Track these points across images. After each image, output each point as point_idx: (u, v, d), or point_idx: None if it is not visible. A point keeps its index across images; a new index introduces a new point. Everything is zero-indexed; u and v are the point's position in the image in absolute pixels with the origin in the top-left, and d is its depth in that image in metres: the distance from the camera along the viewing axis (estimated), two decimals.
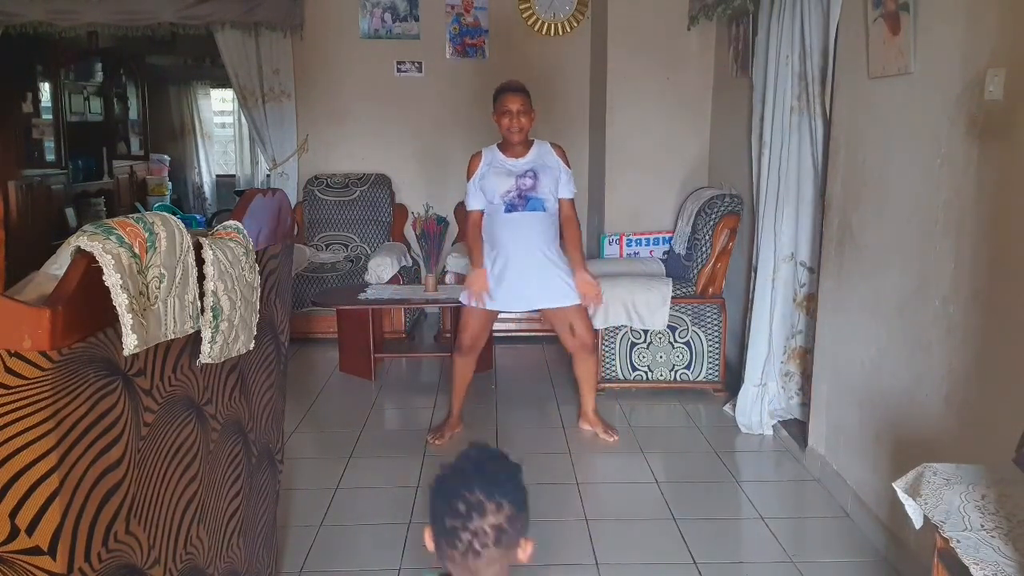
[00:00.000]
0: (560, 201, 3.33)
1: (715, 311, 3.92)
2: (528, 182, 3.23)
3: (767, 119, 3.36)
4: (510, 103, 3.22)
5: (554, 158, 3.32)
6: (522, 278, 3.27)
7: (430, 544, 1.23)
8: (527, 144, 3.31)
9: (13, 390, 1.12)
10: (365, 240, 5.50)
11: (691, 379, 3.97)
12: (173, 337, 1.39)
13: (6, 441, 1.13)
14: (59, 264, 1.24)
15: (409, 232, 5.28)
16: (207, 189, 9.79)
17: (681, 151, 4.75)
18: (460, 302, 3.45)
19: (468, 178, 3.34)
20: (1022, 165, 1.90)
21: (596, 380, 3.58)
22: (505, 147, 3.31)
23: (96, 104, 7.88)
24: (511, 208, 3.23)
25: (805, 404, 3.35)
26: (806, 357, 3.37)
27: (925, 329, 2.29)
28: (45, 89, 6.91)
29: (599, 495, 3.00)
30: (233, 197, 9.01)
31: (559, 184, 3.30)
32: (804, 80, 3.20)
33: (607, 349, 3.95)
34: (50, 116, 6.93)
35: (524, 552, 1.22)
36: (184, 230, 1.40)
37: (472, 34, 5.48)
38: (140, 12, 5.10)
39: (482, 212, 3.33)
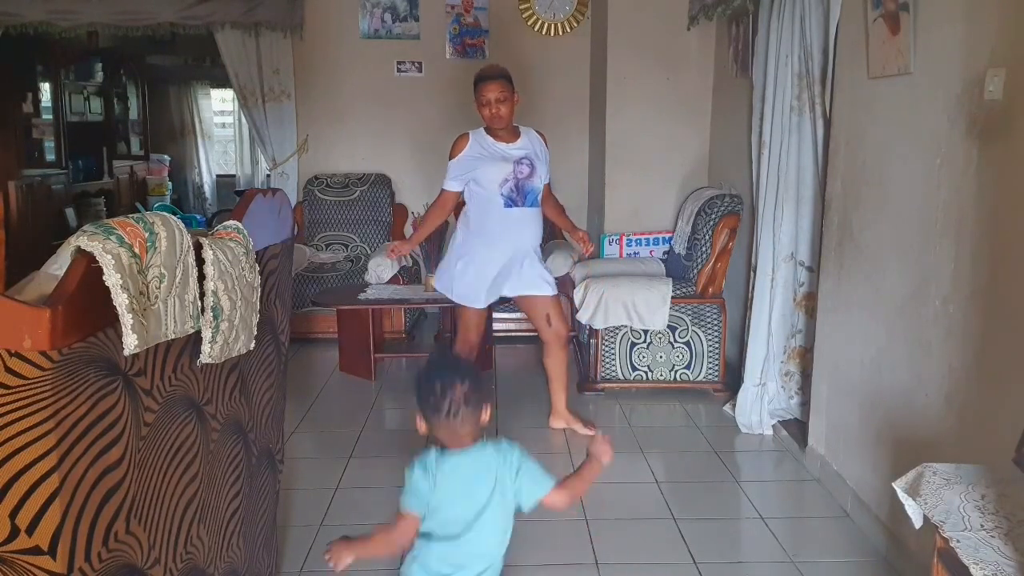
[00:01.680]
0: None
1: (715, 311, 3.92)
2: (525, 170, 3.24)
3: (767, 119, 3.36)
4: (488, 92, 3.18)
5: (543, 146, 3.36)
6: (505, 269, 3.31)
7: (422, 426, 1.68)
8: (514, 131, 3.31)
9: (13, 390, 1.12)
10: (365, 240, 5.50)
11: (691, 379, 3.97)
12: (173, 337, 1.39)
13: (6, 441, 1.13)
14: (59, 264, 1.24)
15: (409, 232, 5.28)
16: (207, 189, 9.79)
17: (681, 151, 4.75)
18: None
19: (451, 157, 3.30)
20: (1022, 165, 1.90)
21: (567, 376, 3.60)
22: (492, 132, 3.29)
23: (96, 104, 7.87)
24: (511, 203, 3.24)
25: (805, 404, 3.35)
26: (806, 357, 3.37)
27: (925, 329, 2.29)
28: (45, 89, 6.90)
29: (599, 495, 2.98)
30: (233, 197, 9.01)
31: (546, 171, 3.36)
32: (804, 80, 3.20)
33: (607, 349, 3.95)
34: (50, 116, 6.93)
35: (486, 413, 1.69)
36: (184, 230, 1.40)
37: (472, 34, 5.48)
38: (140, 12, 5.10)
39: (457, 194, 3.34)
